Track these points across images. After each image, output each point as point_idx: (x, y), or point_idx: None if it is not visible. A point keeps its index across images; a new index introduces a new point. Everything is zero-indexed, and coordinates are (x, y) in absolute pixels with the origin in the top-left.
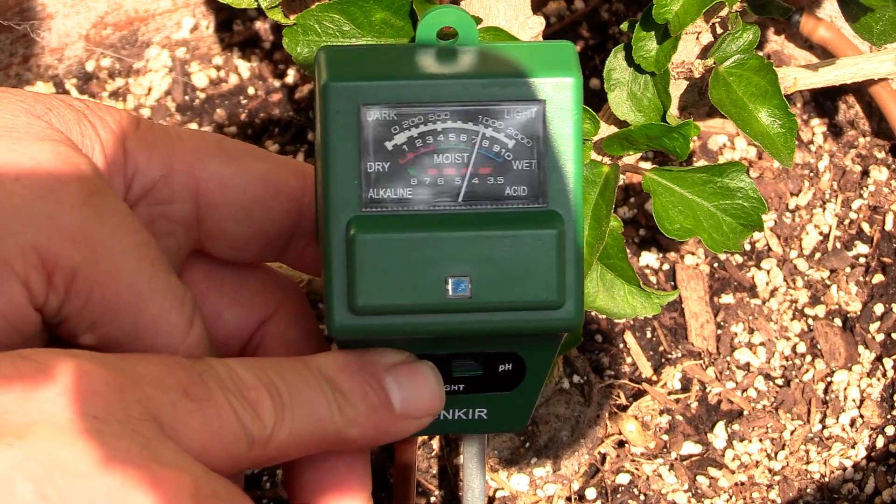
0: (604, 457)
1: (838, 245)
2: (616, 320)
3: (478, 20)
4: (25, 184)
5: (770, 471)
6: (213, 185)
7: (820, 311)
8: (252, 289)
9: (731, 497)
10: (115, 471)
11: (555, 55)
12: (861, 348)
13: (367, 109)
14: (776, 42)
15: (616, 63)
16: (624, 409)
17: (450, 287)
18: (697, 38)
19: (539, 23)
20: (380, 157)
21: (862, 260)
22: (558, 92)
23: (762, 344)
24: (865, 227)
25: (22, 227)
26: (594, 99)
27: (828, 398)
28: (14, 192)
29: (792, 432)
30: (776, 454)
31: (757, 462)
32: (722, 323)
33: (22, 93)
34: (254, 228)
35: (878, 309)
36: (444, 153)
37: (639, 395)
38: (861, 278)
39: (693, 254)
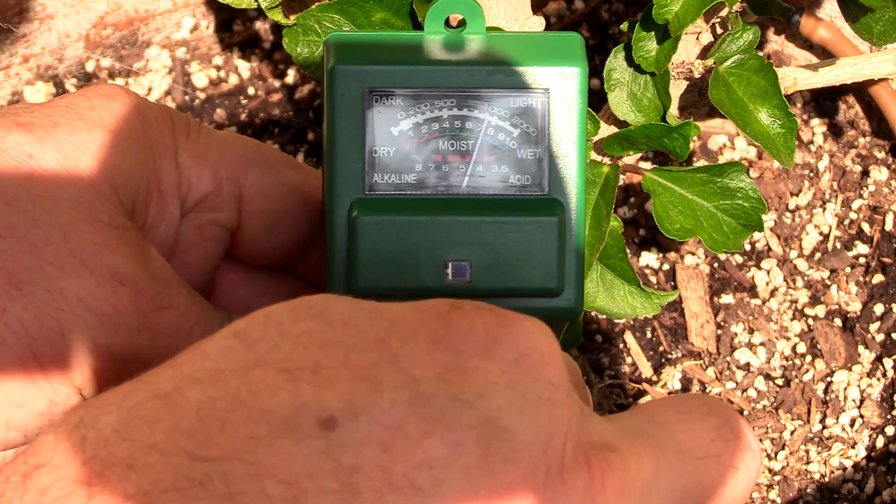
0: None
1: (838, 245)
2: (616, 320)
3: None
4: (84, 316)
5: (770, 471)
6: (253, 194)
7: (820, 311)
8: (277, 280)
9: None
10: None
11: (561, 45)
12: (861, 348)
13: (373, 93)
14: (776, 42)
15: (616, 63)
16: (624, 408)
17: (450, 271)
18: (697, 38)
19: (539, 23)
20: (384, 141)
21: (862, 260)
22: (563, 81)
23: (762, 344)
24: (865, 227)
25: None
26: (594, 99)
27: (828, 398)
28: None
29: (792, 432)
30: (776, 454)
31: None
32: (722, 323)
33: (98, 119)
34: (281, 238)
35: (878, 309)
36: (449, 140)
37: (639, 395)
38: (861, 278)
39: (693, 254)
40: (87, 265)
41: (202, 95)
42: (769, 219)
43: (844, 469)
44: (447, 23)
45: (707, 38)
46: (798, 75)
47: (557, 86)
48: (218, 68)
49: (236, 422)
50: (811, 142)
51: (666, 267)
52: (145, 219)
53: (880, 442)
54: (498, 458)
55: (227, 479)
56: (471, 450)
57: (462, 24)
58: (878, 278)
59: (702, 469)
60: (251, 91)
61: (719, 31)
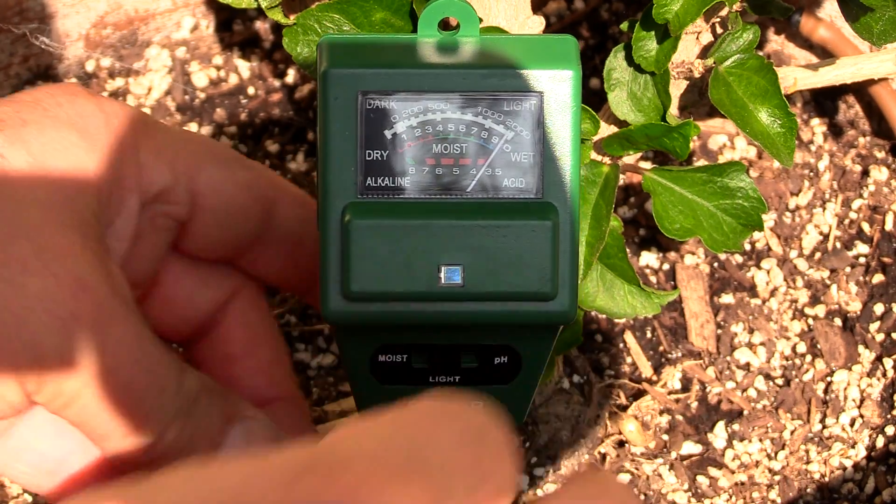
0: (604, 456)
1: (838, 245)
2: (616, 320)
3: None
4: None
5: (770, 470)
6: (207, 190)
7: (820, 310)
8: (219, 273)
9: (731, 497)
10: None
11: (555, 48)
12: (861, 348)
13: (366, 97)
14: (776, 42)
15: (616, 63)
16: (624, 408)
17: (443, 275)
18: (697, 38)
19: (539, 22)
20: (378, 144)
21: (862, 260)
22: (557, 84)
23: (762, 344)
24: (865, 226)
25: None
26: (594, 99)
27: (828, 398)
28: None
29: (792, 432)
30: (776, 454)
31: (757, 462)
32: (722, 323)
33: (62, 118)
34: (230, 233)
35: (878, 309)
36: (442, 143)
37: (639, 394)
38: (861, 278)
39: (693, 254)
40: (51, 267)
41: (202, 95)
42: (769, 218)
43: (844, 469)
44: (442, 25)
45: (707, 37)
46: (798, 75)
47: (551, 89)
48: (218, 68)
49: None
50: (811, 142)
51: (666, 267)
52: (107, 215)
53: (880, 442)
54: None
55: None
56: None
57: (456, 26)
58: (878, 278)
59: None
60: (251, 91)
61: (719, 30)
